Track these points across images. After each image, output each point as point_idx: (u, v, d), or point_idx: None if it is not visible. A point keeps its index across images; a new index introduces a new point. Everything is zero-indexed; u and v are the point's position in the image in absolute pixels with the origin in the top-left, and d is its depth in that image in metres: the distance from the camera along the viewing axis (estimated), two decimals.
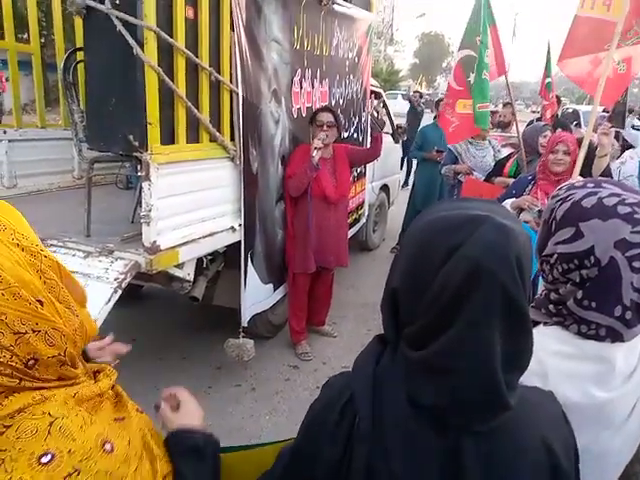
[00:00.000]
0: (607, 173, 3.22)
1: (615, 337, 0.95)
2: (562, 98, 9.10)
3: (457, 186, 5.05)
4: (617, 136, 5.56)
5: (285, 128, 3.59)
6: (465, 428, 0.71)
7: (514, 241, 0.68)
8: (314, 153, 3.49)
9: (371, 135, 5.16)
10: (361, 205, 5.39)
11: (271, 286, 3.75)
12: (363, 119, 5.10)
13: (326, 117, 3.65)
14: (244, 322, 3.41)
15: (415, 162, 7.10)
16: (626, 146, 5.59)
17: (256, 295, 3.53)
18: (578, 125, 8.24)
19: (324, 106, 3.88)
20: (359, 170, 5.06)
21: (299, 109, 3.75)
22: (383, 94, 6.28)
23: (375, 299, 4.68)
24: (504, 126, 6.32)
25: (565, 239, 0.97)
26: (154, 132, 2.45)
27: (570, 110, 11.54)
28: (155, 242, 2.53)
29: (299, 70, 3.68)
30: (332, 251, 3.87)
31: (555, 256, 0.99)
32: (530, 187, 3.14)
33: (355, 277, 5.60)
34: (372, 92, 5.47)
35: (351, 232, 4.95)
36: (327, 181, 3.73)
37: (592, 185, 0.98)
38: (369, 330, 4.40)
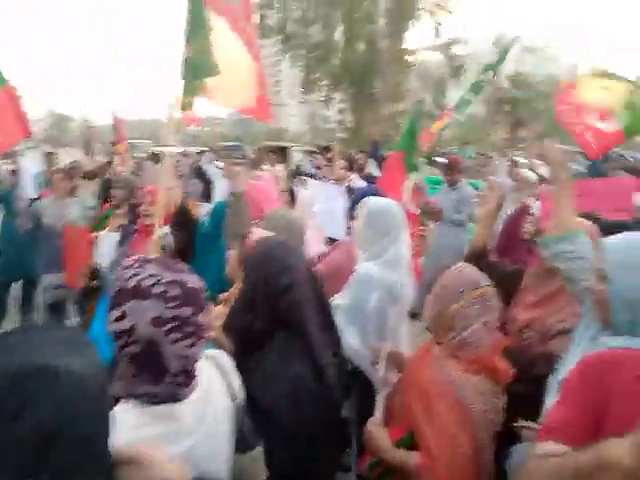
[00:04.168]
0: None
1: (175, 398, 1.10)
2: None
3: None
4: None
5: None
6: None
7: None
8: None
9: None
10: None
11: None
12: None
13: None
14: None
15: None
16: None
17: None
18: None
19: None
20: None
21: None
22: None
23: None
24: None
25: (115, 318, 1.06)
26: None
27: None
28: None
29: None
30: None
31: (112, 335, 1.08)
32: None
33: None
34: None
35: None
36: None
37: (137, 265, 1.09)
38: None
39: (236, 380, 1.33)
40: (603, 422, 1.07)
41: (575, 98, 4.20)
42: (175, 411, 1.09)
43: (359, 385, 1.99)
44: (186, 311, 1.09)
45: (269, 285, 1.58)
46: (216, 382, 1.26)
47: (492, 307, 1.72)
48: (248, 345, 1.62)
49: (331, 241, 4.02)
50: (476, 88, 4.75)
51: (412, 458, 1.58)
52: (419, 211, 3.25)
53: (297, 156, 17.12)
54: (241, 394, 1.32)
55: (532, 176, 5.40)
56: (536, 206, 4.49)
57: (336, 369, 1.62)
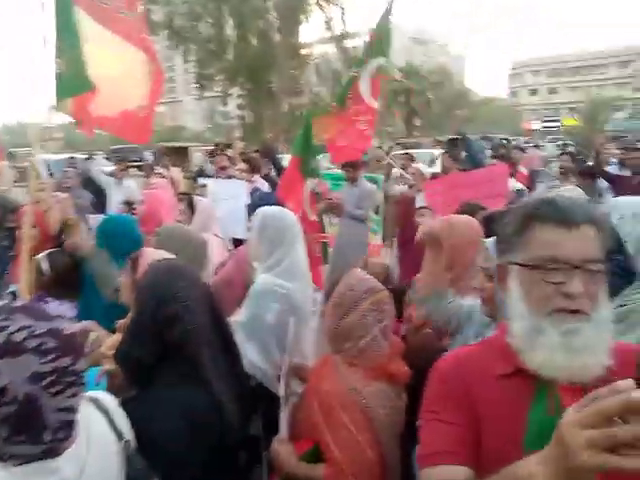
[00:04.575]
0: None
1: (56, 453, 1.04)
2: None
3: None
4: None
5: None
6: None
7: None
8: None
9: None
10: None
11: None
12: None
13: None
14: None
15: None
16: None
17: None
18: None
19: None
20: None
21: None
22: None
23: None
24: None
25: None
26: None
27: None
28: None
29: None
30: None
31: None
32: None
33: None
34: None
35: None
36: None
37: (3, 317, 1.02)
38: None
39: (122, 419, 1.26)
40: (478, 417, 1.03)
41: None
42: (52, 466, 1.02)
43: (265, 401, 1.97)
44: (65, 361, 1.01)
45: (158, 313, 1.50)
46: (98, 426, 1.19)
47: (388, 312, 1.77)
48: (139, 376, 1.54)
49: (235, 241, 3.96)
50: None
51: (318, 470, 1.60)
52: (318, 218, 3.26)
53: (198, 156, 16.63)
54: (128, 432, 1.26)
55: (425, 170, 5.67)
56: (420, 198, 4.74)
57: (235, 394, 1.59)
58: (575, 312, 0.95)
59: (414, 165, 6.28)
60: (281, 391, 1.79)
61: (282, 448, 1.70)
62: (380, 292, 1.76)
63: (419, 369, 1.72)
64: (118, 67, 2.82)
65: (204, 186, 4.87)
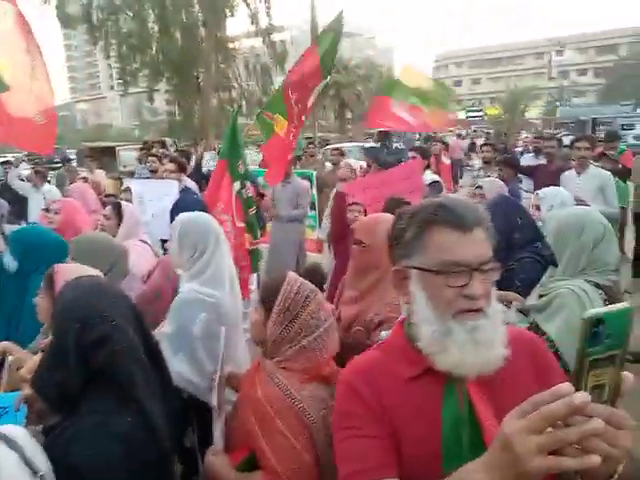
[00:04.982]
0: None
1: None
2: None
3: None
4: None
5: None
6: None
7: None
8: None
9: None
10: None
11: None
12: None
13: None
14: None
15: None
16: None
17: None
18: None
19: None
20: None
21: None
22: None
23: None
24: None
25: None
26: None
27: None
28: None
29: None
30: None
31: None
32: None
33: None
34: None
35: None
36: None
37: None
38: None
39: (36, 452, 1.19)
40: (395, 426, 1.03)
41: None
42: None
43: (199, 412, 1.94)
44: None
45: (83, 336, 1.42)
46: (8, 464, 1.12)
47: (330, 311, 1.79)
48: (61, 403, 1.46)
49: (164, 243, 3.83)
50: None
51: (254, 478, 1.58)
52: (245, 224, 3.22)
53: (126, 156, 15.91)
54: (45, 466, 1.19)
55: (355, 164, 5.75)
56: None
57: (167, 410, 1.55)
58: (476, 311, 1.00)
59: (344, 160, 6.36)
60: (213, 402, 1.77)
61: (217, 459, 1.67)
62: (319, 294, 1.78)
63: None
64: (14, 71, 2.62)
65: (127, 190, 4.68)
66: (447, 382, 1.02)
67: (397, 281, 1.11)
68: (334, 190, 5.59)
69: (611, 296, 1.94)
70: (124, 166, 14.48)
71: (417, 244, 1.05)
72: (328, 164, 8.15)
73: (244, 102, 24.33)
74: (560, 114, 23.42)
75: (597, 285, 1.97)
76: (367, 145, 8.61)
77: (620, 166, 6.71)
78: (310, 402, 1.64)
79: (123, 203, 3.35)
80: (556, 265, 2.13)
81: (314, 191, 6.26)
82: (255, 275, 4.10)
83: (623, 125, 19.30)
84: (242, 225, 3.18)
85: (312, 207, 6.06)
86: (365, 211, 4.00)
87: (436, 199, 1.11)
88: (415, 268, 1.05)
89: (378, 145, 12.93)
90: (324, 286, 2.22)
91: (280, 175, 4.78)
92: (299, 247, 5.58)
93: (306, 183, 5.79)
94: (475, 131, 23.85)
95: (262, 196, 5.42)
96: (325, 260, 5.68)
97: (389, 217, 2.24)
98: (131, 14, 19.81)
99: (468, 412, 1.01)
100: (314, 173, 6.49)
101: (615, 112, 21.88)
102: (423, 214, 1.06)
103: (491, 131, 24.22)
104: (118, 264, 2.31)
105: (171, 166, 5.09)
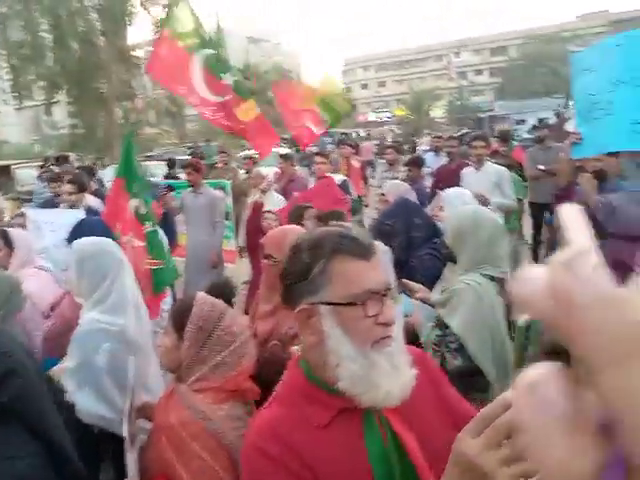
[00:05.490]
0: None
1: None
2: None
3: None
4: None
5: None
6: None
7: None
8: None
9: None
10: None
11: None
12: None
13: None
14: None
15: None
16: None
17: None
18: None
19: None
20: None
21: None
22: None
23: None
24: None
25: None
26: None
27: None
28: None
29: None
30: None
31: None
32: None
33: None
34: None
35: None
36: None
37: None
38: None
39: None
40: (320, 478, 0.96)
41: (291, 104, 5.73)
42: None
43: (114, 445, 1.85)
44: None
45: None
46: None
47: (244, 326, 1.78)
48: None
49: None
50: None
51: None
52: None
53: (23, 174, 14.81)
54: None
55: (264, 172, 5.77)
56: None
57: (75, 442, 1.47)
58: (388, 337, 0.98)
59: (255, 169, 6.34)
60: (124, 433, 1.69)
61: None
62: (230, 308, 1.79)
63: (268, 382, 1.75)
64: None
65: (22, 215, 4.34)
66: (364, 416, 0.99)
67: (302, 320, 1.02)
68: (249, 198, 5.57)
69: (504, 287, 2.07)
70: (22, 185, 13.47)
71: (322, 278, 0.98)
72: (241, 172, 8.09)
73: (153, 111, 23.49)
74: (497, 108, 25.05)
75: (492, 278, 2.11)
76: (282, 152, 8.64)
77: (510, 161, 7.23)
78: (226, 423, 1.62)
79: (11, 230, 3.11)
80: (454, 261, 2.25)
81: (229, 201, 6.18)
82: (170, 294, 3.96)
83: (517, 120, 20.87)
84: (141, 244, 3.06)
85: (226, 217, 5.97)
86: (280, 219, 4.02)
87: (332, 229, 1.05)
88: (326, 304, 0.98)
89: (292, 151, 13.06)
90: (232, 300, 2.18)
91: (269, 145, 5.73)
92: (218, 258, 5.49)
93: (219, 193, 5.69)
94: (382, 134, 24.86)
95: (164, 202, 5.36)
96: (243, 269, 5.66)
97: (296, 229, 2.26)
98: (22, 23, 18.52)
99: (393, 444, 0.99)
100: (229, 183, 6.41)
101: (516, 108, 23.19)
102: (328, 246, 0.99)
103: (400, 131, 25.25)
104: (13, 298, 2.15)
105: (69, 187, 4.75)
